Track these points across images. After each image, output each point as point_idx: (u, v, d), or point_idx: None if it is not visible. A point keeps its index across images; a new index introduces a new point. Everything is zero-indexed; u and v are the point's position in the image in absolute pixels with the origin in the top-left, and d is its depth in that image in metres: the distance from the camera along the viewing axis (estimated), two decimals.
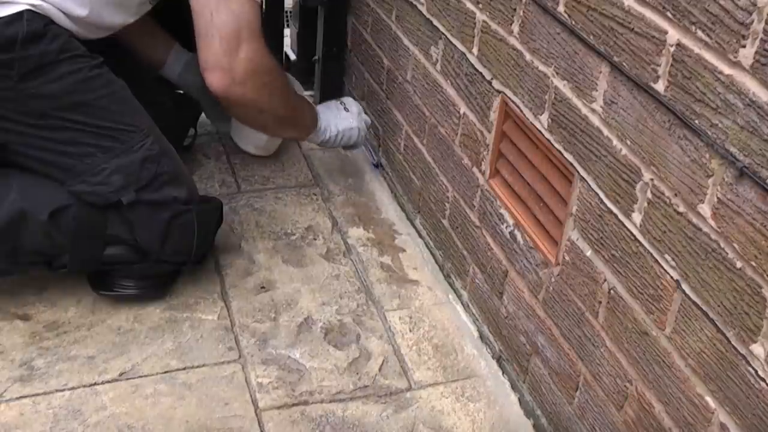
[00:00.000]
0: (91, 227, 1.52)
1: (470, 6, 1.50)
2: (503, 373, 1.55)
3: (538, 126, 1.33)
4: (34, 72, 1.40)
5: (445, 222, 1.74)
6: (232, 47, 1.53)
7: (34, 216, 1.48)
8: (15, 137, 1.46)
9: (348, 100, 1.96)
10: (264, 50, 1.59)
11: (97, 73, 1.48)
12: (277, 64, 1.70)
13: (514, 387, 1.52)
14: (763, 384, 0.93)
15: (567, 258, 1.30)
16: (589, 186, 1.21)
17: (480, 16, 1.47)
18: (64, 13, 1.44)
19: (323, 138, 1.88)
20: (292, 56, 2.39)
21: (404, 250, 1.87)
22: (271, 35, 2.30)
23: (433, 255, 1.83)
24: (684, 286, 1.04)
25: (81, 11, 1.46)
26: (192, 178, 1.68)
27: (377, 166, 2.09)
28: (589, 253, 1.24)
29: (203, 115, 2.10)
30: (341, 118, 1.91)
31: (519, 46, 1.35)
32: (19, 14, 1.37)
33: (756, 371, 0.94)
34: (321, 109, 1.91)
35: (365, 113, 2.00)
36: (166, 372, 1.50)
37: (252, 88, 1.59)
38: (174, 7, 1.62)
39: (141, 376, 1.48)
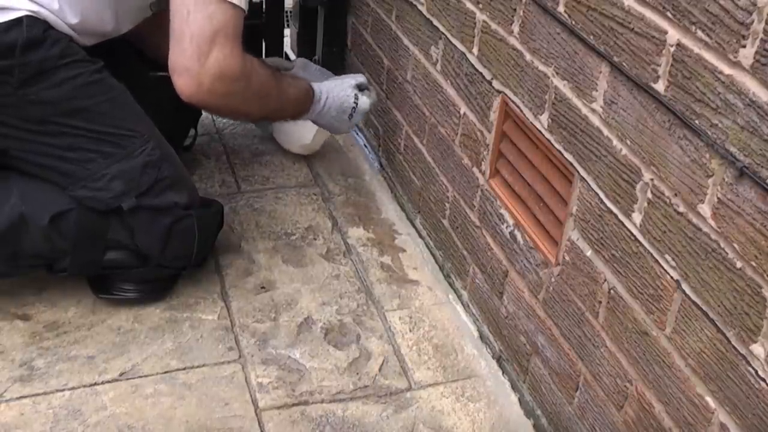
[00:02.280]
0: (91, 232, 1.51)
1: (470, 6, 1.50)
2: (503, 373, 1.55)
3: (538, 126, 1.33)
4: (34, 78, 1.40)
5: (445, 222, 1.74)
6: (203, 51, 1.45)
7: (35, 220, 1.48)
8: (15, 143, 1.46)
9: (360, 110, 1.83)
10: (237, 58, 1.49)
11: (98, 78, 1.47)
12: (255, 69, 1.56)
13: (514, 387, 1.52)
14: (763, 384, 0.93)
15: (567, 258, 1.30)
16: (589, 186, 1.21)
17: (480, 16, 1.47)
18: (61, 19, 1.43)
19: (307, 118, 1.82)
20: (292, 56, 2.39)
21: (404, 250, 1.87)
22: (271, 35, 2.31)
23: (433, 255, 1.83)
24: (684, 286, 1.04)
25: (74, 19, 1.45)
26: (193, 182, 1.67)
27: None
28: (589, 253, 1.24)
29: (203, 115, 2.10)
30: (338, 119, 1.81)
31: (519, 46, 1.35)
32: (18, 20, 1.37)
33: (756, 371, 0.94)
34: (330, 98, 1.78)
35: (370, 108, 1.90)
36: (166, 372, 1.49)
37: (219, 96, 1.50)
38: None
39: (141, 376, 1.48)
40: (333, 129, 1.88)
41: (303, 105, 1.76)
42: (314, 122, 1.85)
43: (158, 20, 1.71)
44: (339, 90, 1.81)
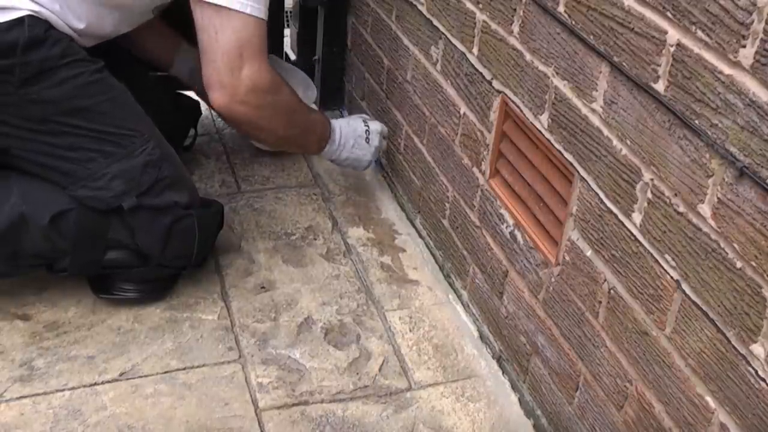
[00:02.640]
0: (91, 231, 1.52)
1: (470, 6, 1.50)
2: (503, 373, 1.55)
3: (538, 126, 1.33)
4: (35, 77, 1.40)
5: (445, 222, 1.74)
6: (234, 66, 1.51)
7: (35, 220, 1.48)
8: (16, 142, 1.46)
9: (374, 131, 1.87)
10: (267, 69, 1.56)
11: (98, 78, 1.48)
12: (283, 84, 1.64)
13: (514, 387, 1.52)
14: (763, 384, 0.93)
15: (567, 258, 1.30)
16: (589, 186, 1.21)
17: (480, 16, 1.47)
18: (63, 20, 1.44)
19: (329, 157, 1.86)
20: (292, 56, 2.39)
21: (404, 250, 1.87)
22: (271, 35, 2.30)
23: (433, 255, 1.83)
24: (684, 286, 1.04)
25: (78, 24, 1.47)
26: (193, 182, 1.68)
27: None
28: (589, 253, 1.24)
29: (203, 115, 2.10)
30: (358, 146, 1.84)
31: (519, 46, 1.35)
32: (20, 20, 1.37)
33: (756, 371, 0.94)
34: (343, 128, 1.83)
35: (383, 138, 1.92)
36: (166, 372, 1.50)
37: (252, 107, 1.56)
38: (179, 4, 1.60)
39: (141, 376, 1.48)
40: (357, 161, 1.87)
41: (324, 133, 1.79)
42: (334, 161, 1.87)
43: (155, 25, 1.72)
44: (348, 121, 1.87)
